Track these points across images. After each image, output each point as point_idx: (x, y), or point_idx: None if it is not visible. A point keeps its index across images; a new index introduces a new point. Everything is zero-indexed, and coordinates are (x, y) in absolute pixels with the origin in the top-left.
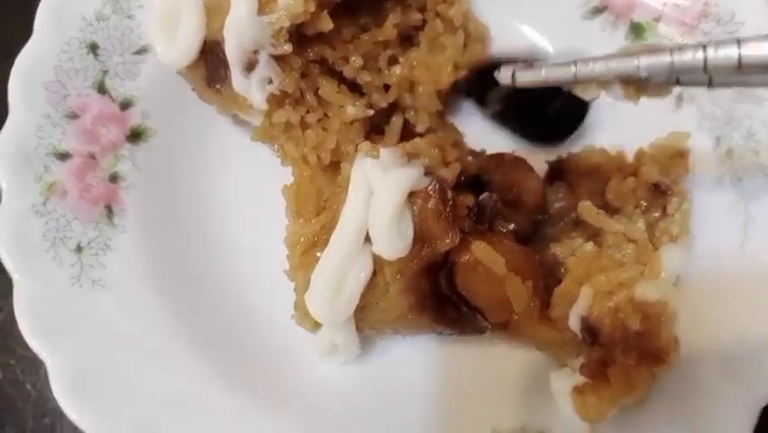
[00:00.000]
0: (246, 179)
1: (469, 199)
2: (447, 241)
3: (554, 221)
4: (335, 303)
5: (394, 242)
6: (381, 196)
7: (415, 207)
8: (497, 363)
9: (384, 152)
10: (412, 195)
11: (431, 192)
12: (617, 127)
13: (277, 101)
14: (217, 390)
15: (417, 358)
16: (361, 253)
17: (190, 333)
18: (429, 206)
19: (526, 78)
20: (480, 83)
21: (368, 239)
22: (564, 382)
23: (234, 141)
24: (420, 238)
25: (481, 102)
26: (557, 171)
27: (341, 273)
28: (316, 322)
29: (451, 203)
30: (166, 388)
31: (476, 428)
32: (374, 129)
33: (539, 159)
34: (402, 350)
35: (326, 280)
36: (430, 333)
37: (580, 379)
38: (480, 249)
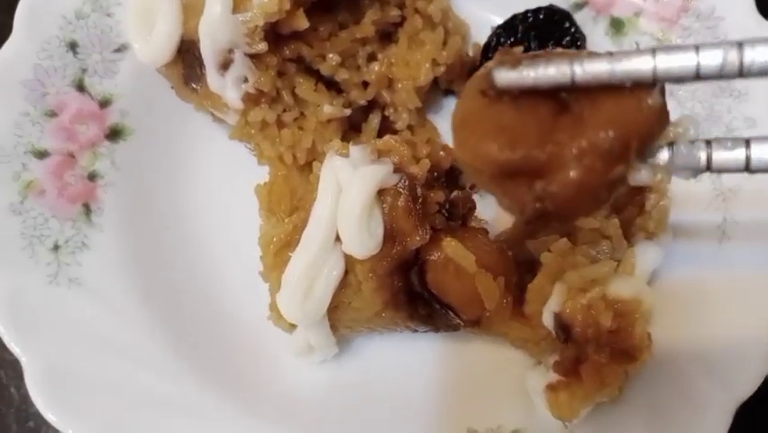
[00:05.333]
0: (224, 177)
1: (439, 196)
2: (417, 238)
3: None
4: (307, 304)
5: (363, 240)
6: (350, 193)
7: (384, 205)
8: (472, 361)
9: (354, 150)
10: (381, 192)
11: (400, 189)
12: None
13: (252, 100)
14: (194, 389)
15: (393, 357)
16: (332, 252)
17: (167, 332)
18: (399, 203)
19: (509, 78)
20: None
21: (339, 238)
22: (538, 379)
23: (213, 139)
24: (391, 236)
25: None
26: None
27: (312, 273)
28: (292, 323)
29: (421, 200)
30: (141, 387)
31: (451, 427)
32: (353, 127)
33: None
34: (378, 349)
35: (297, 280)
36: (405, 331)
37: (554, 376)
38: (451, 246)
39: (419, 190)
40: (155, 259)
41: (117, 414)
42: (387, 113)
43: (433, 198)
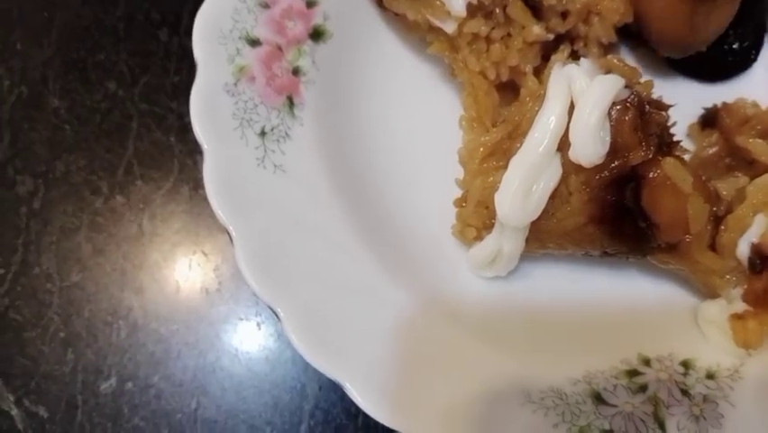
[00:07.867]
0: (413, 93)
1: (662, 117)
2: (642, 153)
3: (706, 165)
4: (526, 203)
5: (596, 147)
6: (589, 100)
7: (612, 118)
8: (639, 295)
9: (584, 62)
10: (611, 105)
11: (629, 104)
12: None
13: (471, 12)
14: (376, 277)
15: (559, 284)
16: (553, 159)
17: (355, 223)
18: (626, 117)
19: None
20: None
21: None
22: (717, 311)
23: (405, 60)
24: (613, 150)
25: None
26: (711, 118)
27: (533, 176)
28: (476, 235)
29: (647, 117)
30: (335, 270)
31: (622, 351)
32: (544, 57)
33: (696, 102)
34: (548, 274)
35: (520, 179)
36: (588, 253)
37: (741, 306)
38: (670, 164)
39: (647, 107)
40: (348, 157)
41: (311, 290)
42: (576, 47)
43: (655, 119)
